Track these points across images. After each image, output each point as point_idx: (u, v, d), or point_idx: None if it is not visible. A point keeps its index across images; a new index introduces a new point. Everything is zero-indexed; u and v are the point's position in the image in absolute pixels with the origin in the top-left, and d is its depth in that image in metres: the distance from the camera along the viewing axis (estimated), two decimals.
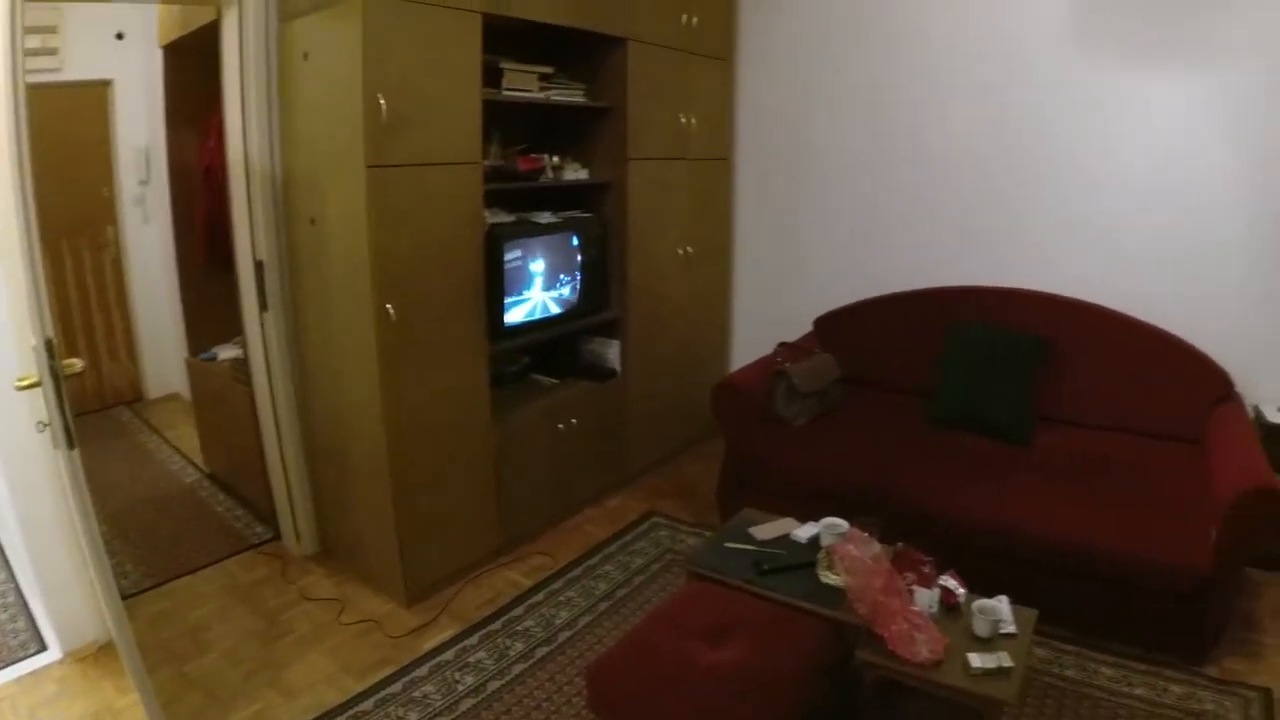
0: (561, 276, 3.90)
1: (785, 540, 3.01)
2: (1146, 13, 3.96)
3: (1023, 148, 4.36)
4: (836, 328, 4.67)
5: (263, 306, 3.50)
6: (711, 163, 4.85)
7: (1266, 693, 3.14)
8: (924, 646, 2.42)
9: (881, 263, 4.76)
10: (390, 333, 3.07)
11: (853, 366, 4.46)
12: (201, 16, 3.73)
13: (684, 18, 4.35)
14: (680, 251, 4.61)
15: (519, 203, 3.85)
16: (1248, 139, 3.92)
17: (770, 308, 5.18)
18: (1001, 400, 3.99)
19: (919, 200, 4.65)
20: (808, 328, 4.77)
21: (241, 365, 3.88)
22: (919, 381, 4.33)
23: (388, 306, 3.03)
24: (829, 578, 2.73)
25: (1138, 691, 3.11)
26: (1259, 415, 3.97)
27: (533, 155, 3.78)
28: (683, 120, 4.46)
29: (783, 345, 4.25)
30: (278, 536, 3.87)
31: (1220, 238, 4.04)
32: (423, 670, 3.01)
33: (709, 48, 4.65)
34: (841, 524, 2.90)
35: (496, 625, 3.31)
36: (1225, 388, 3.99)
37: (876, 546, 2.63)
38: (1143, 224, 4.18)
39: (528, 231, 3.67)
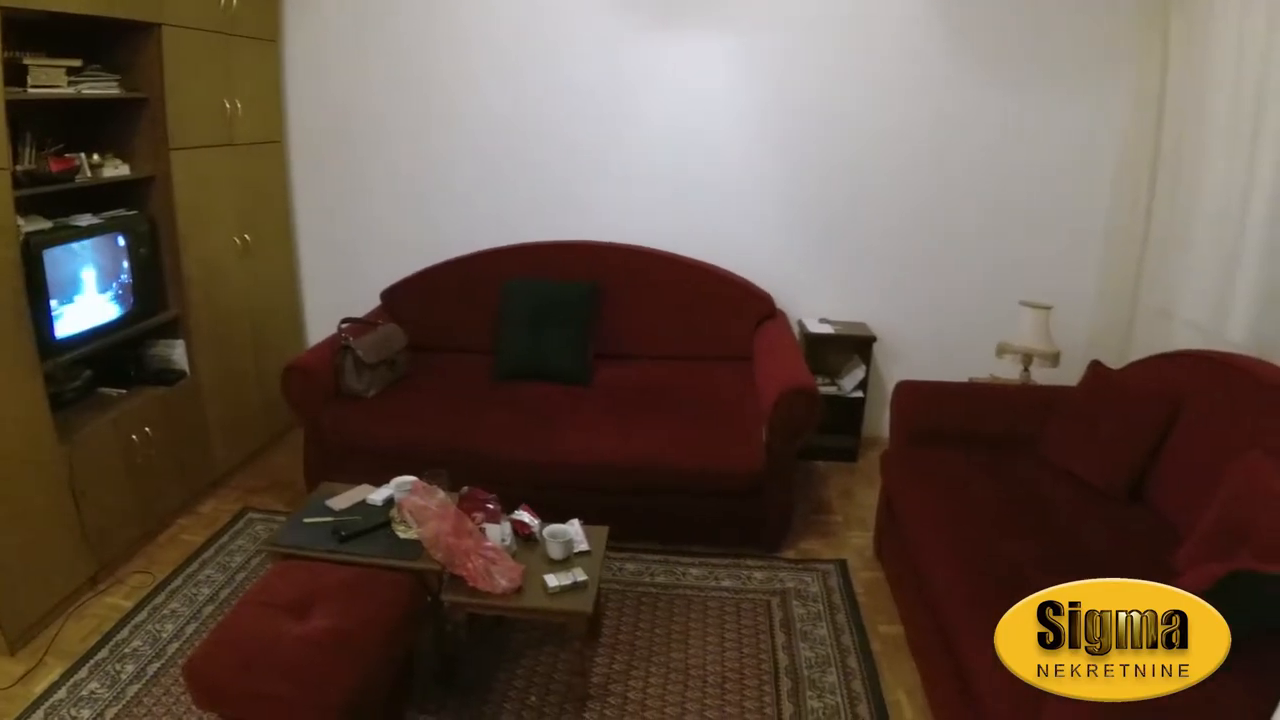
0: (113, 280, 3.96)
1: (362, 506, 3.37)
2: None
3: (565, 109, 5.03)
4: (402, 298, 5.12)
5: None
6: (262, 146, 5.04)
7: (842, 563, 4.01)
8: (502, 577, 2.91)
9: (443, 230, 5.27)
10: None
11: (422, 334, 4.92)
12: None
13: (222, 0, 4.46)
14: (237, 240, 4.78)
15: (63, 207, 3.81)
16: (763, 96, 4.88)
17: (340, 287, 5.49)
18: (559, 347, 4.61)
19: (473, 166, 5.22)
20: (379, 303, 5.18)
21: None
22: (483, 341, 4.86)
23: None
24: (404, 532, 3.13)
25: (725, 584, 3.87)
26: (803, 327, 4.91)
27: (67, 155, 3.78)
28: (227, 106, 4.59)
29: (346, 321, 4.57)
30: None
31: (751, 179, 4.99)
32: (38, 716, 3.07)
33: (252, 29, 4.79)
34: (410, 480, 3.28)
35: (104, 653, 3.42)
36: (769, 307, 4.88)
37: (441, 494, 3.09)
38: (681, 172, 5.03)
39: (68, 237, 3.68)
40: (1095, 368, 3.85)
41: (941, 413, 3.97)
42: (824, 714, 3.17)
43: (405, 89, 5.19)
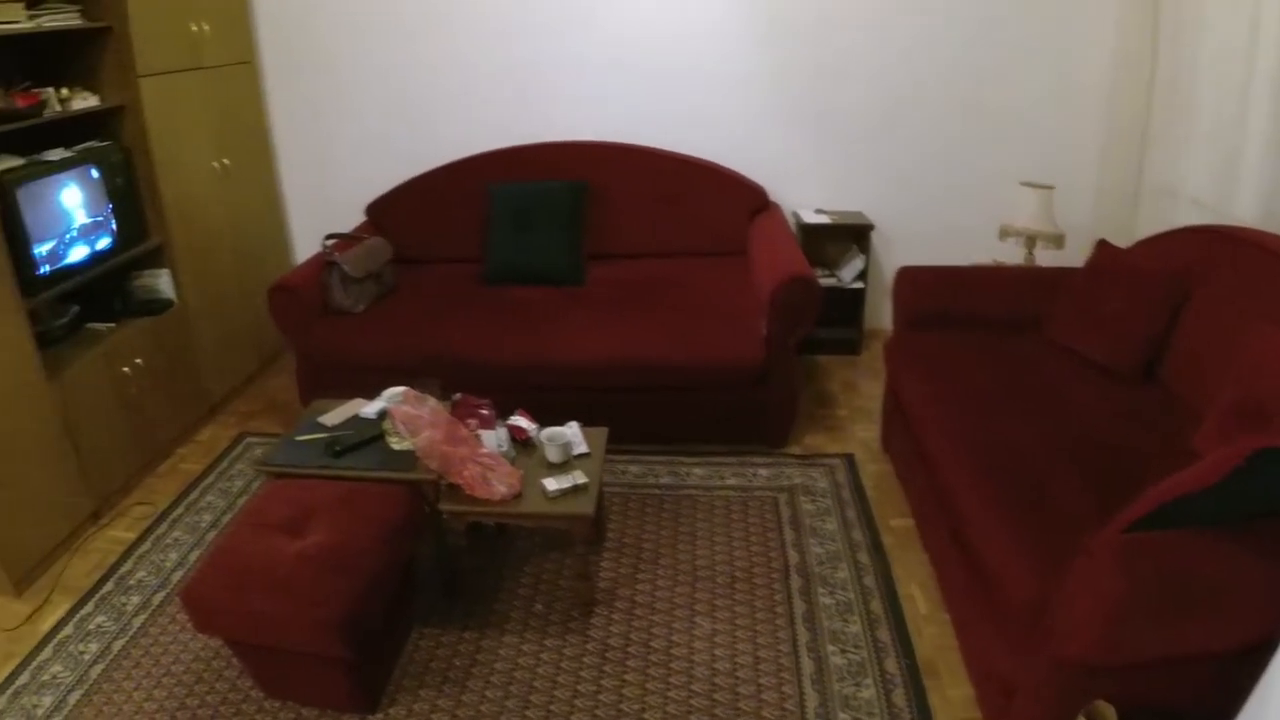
0: (90, 213, 3.92)
1: (355, 420, 3.38)
2: None
3: (537, 8, 4.92)
4: (388, 211, 5.11)
5: None
6: (234, 68, 4.96)
7: (849, 458, 4.01)
8: (500, 484, 2.91)
9: (425, 140, 5.23)
10: None
11: (410, 246, 4.94)
12: None
13: None
14: (216, 165, 4.74)
15: (34, 144, 3.79)
16: None
17: (325, 205, 5.48)
18: (549, 248, 4.59)
19: (450, 73, 5.14)
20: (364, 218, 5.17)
21: None
22: (473, 248, 4.87)
23: None
24: (398, 443, 3.13)
25: (730, 482, 3.88)
26: (798, 219, 4.86)
27: (33, 91, 3.75)
28: (194, 28, 4.52)
29: (330, 237, 4.55)
30: None
31: (738, 69, 4.92)
32: (46, 653, 3.14)
33: None
34: (402, 390, 3.28)
35: (109, 586, 3.48)
36: (762, 200, 4.85)
37: (432, 401, 3.08)
38: (667, 65, 4.95)
39: (40, 172, 3.64)
40: (1103, 246, 3.80)
41: (945, 298, 3.92)
42: (837, 610, 3.18)
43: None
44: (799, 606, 3.20)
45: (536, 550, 3.54)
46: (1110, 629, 2.05)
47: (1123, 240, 3.96)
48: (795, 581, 3.33)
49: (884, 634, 3.07)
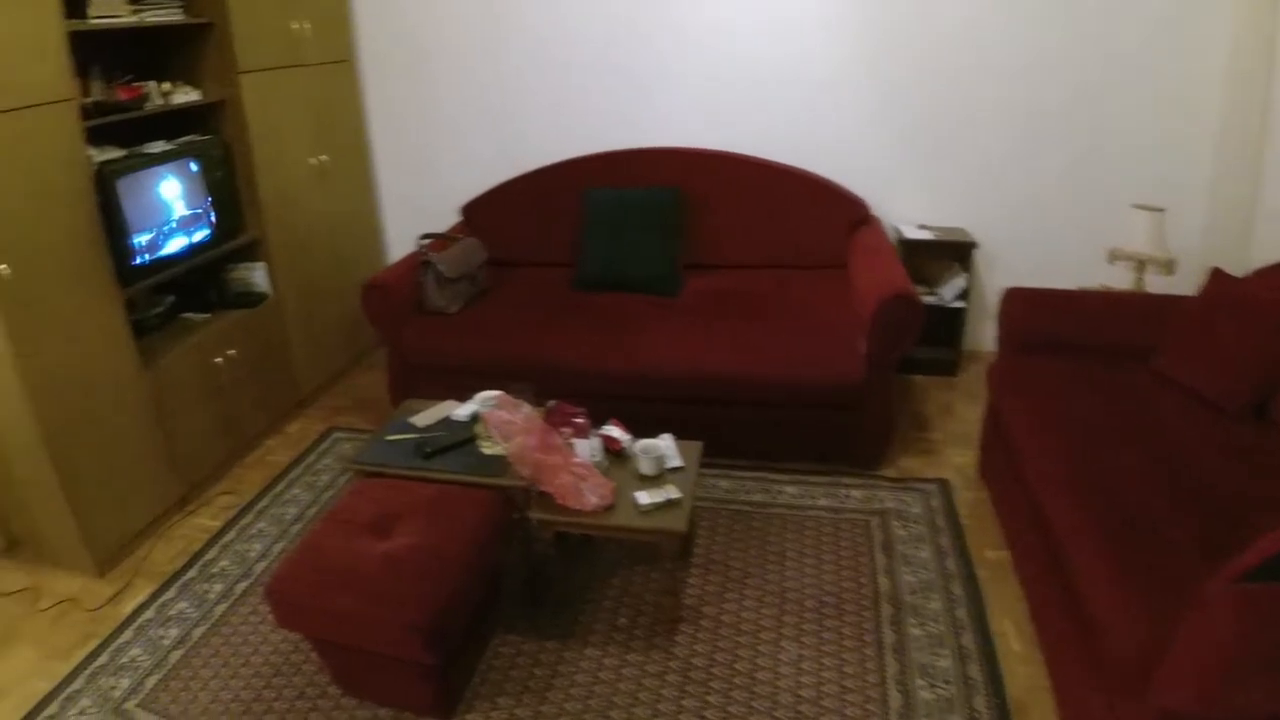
0: (188, 205, 3.97)
1: (446, 422, 3.37)
2: None
3: (637, 12, 4.88)
4: (483, 212, 5.12)
5: None
6: (333, 66, 5.01)
7: (943, 483, 3.88)
8: (592, 494, 2.86)
9: (521, 142, 5.24)
10: (7, 295, 3.03)
11: (504, 248, 4.94)
12: None
13: None
14: (314, 161, 4.79)
15: (136, 136, 3.86)
16: None
17: (420, 204, 5.54)
18: (644, 256, 4.54)
19: (548, 75, 5.13)
20: (459, 218, 5.19)
21: None
22: (567, 252, 4.84)
23: (2, 266, 2.99)
24: (489, 448, 3.10)
25: (821, 503, 3.77)
26: (899, 234, 4.76)
27: (135, 84, 3.81)
28: (295, 26, 4.57)
29: (425, 236, 4.57)
30: None
31: (839, 78, 4.81)
32: (127, 635, 3.19)
33: None
34: (495, 394, 3.25)
35: (192, 573, 3.52)
36: (862, 213, 4.74)
37: (526, 408, 3.04)
38: (766, 73, 4.86)
39: (140, 164, 3.69)
40: (1217, 275, 3.63)
41: (1053, 322, 3.75)
42: (927, 643, 3.05)
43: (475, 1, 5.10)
44: (888, 636, 3.08)
45: (623, 562, 3.48)
46: (1219, 683, 1.93)
47: (1236, 268, 3.81)
48: (885, 610, 3.21)
49: (975, 670, 2.93)
